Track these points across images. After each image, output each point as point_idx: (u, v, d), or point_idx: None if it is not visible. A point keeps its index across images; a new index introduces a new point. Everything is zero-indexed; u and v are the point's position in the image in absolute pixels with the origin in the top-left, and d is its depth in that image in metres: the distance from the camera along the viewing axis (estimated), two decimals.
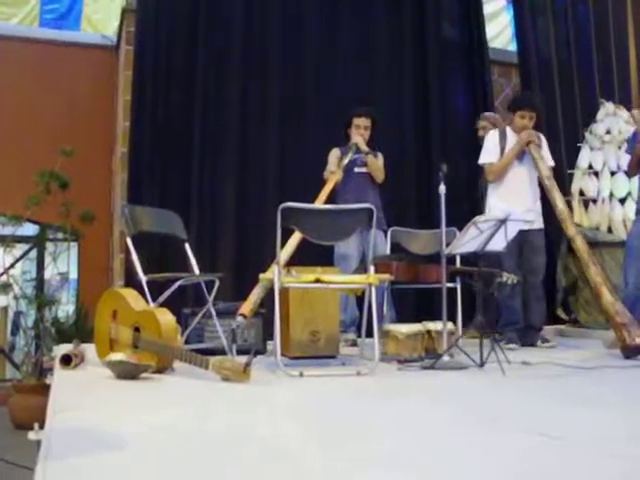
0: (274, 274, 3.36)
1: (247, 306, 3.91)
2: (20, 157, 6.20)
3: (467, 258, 4.31)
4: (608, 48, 7.18)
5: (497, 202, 4.68)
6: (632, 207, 5.50)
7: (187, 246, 4.16)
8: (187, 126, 5.77)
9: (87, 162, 6.18)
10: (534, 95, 5.26)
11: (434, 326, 3.89)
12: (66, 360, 3.31)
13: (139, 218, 3.99)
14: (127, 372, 2.97)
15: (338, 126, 5.21)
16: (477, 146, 5.26)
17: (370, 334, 3.55)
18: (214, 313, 3.90)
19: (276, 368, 3.26)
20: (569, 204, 5.40)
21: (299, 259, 4.16)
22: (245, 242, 5.74)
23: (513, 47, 7.38)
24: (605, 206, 6.06)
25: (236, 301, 4.20)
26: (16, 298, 5.75)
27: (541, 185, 4.70)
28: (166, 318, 3.25)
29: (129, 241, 3.85)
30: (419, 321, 3.98)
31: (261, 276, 3.76)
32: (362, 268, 4.08)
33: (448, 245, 3.75)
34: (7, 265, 5.89)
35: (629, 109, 6.45)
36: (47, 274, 6.12)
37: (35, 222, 6.15)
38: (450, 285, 4.12)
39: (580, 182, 6.19)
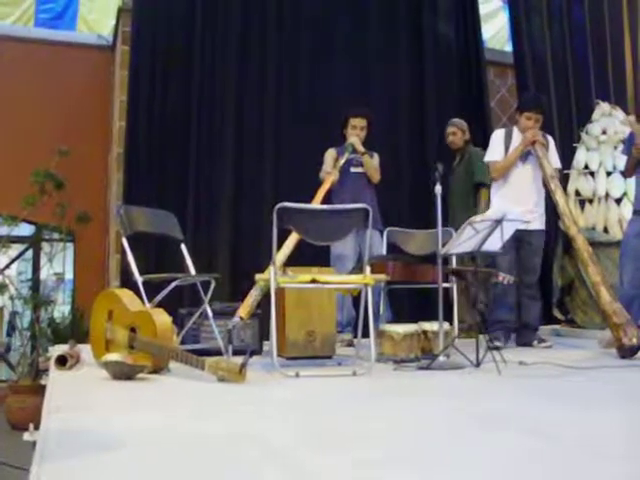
0: (270, 274, 3.36)
1: (244, 308, 3.92)
2: (16, 157, 6.18)
3: (461, 257, 4.32)
4: (603, 48, 7.19)
5: (499, 201, 4.68)
6: (628, 207, 5.52)
7: (183, 246, 4.15)
8: (183, 126, 5.76)
9: (83, 162, 6.18)
10: (541, 96, 5.24)
11: (430, 326, 3.89)
12: (62, 361, 3.30)
13: (135, 218, 3.98)
14: (123, 373, 2.97)
15: (334, 126, 5.21)
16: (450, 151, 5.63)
17: (366, 334, 3.55)
18: (210, 314, 3.90)
19: (272, 369, 3.26)
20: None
21: (295, 260, 4.16)
22: (241, 242, 5.73)
23: (510, 48, 7.39)
24: (601, 206, 6.06)
25: (232, 302, 4.20)
26: (12, 299, 5.74)
27: (546, 185, 4.68)
28: (162, 319, 3.25)
29: (125, 241, 3.84)
30: (415, 321, 3.98)
31: (257, 277, 3.76)
32: (358, 268, 4.08)
33: (444, 245, 3.76)
34: (3, 265, 5.88)
35: (625, 109, 6.47)
36: (43, 274, 6.11)
37: (31, 222, 6.14)
38: (446, 285, 4.12)
39: (576, 182, 6.19)
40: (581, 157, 6.23)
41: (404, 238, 4.94)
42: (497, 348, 3.61)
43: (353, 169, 5.02)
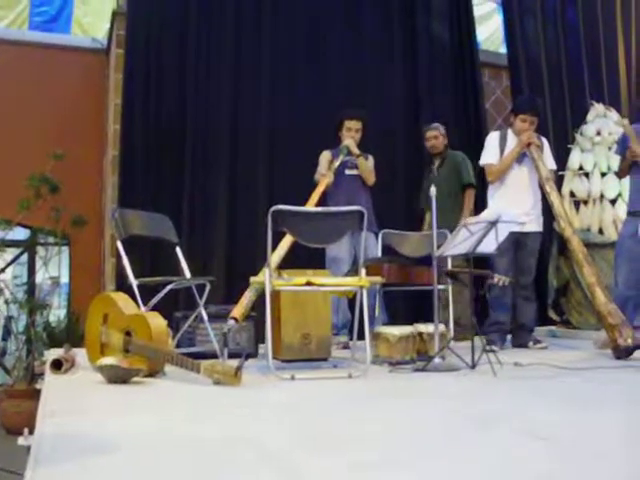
0: (265, 277, 3.36)
1: (239, 310, 3.91)
2: (10, 161, 6.16)
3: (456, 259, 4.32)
4: (597, 50, 7.22)
5: (496, 204, 4.68)
6: (623, 208, 5.54)
7: (178, 249, 4.14)
8: (178, 129, 5.75)
9: (78, 166, 6.16)
10: (536, 99, 5.25)
11: (426, 328, 3.88)
12: (57, 365, 3.30)
13: (130, 222, 3.97)
14: (118, 376, 2.96)
15: (328, 128, 5.21)
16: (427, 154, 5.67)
17: (362, 337, 3.55)
18: (205, 317, 3.89)
19: (268, 371, 3.26)
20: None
21: (290, 262, 4.16)
22: (236, 245, 5.72)
23: (504, 50, 7.40)
24: (596, 207, 6.08)
25: (227, 305, 4.19)
26: (7, 303, 5.71)
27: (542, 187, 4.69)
28: (157, 322, 3.24)
29: (120, 245, 3.83)
30: (411, 323, 3.98)
31: (252, 279, 3.76)
32: (353, 271, 4.08)
33: (439, 247, 3.76)
34: None
35: (619, 110, 6.50)
36: (38, 278, 6.09)
37: (26, 226, 6.12)
38: (441, 287, 4.13)
39: (571, 183, 6.21)
40: (576, 158, 6.25)
41: (399, 240, 4.94)
42: (493, 352, 3.60)
43: (348, 171, 5.03)
